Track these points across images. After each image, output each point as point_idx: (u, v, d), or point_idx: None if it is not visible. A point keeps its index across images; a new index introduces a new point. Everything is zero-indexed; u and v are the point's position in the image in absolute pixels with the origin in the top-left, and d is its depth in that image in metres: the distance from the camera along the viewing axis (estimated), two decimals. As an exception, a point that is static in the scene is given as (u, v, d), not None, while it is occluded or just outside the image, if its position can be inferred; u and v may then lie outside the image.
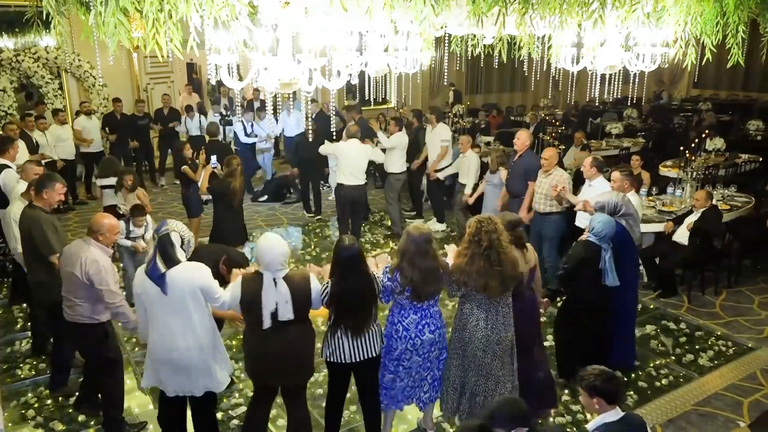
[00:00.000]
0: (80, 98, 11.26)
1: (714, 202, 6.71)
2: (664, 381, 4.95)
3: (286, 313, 3.45)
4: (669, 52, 4.23)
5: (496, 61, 4.74)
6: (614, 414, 3.02)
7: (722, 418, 4.50)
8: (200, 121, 10.95)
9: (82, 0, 2.96)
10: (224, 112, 11.05)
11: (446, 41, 4.77)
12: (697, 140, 9.19)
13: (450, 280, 3.80)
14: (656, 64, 4.41)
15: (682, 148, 8.40)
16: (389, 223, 8.84)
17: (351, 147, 7.49)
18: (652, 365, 5.17)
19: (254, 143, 10.43)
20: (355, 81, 3.93)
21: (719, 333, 5.78)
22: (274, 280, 3.44)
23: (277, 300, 3.43)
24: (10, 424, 4.40)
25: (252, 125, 10.20)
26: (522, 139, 6.65)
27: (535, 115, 12.29)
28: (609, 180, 5.89)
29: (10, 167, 6.05)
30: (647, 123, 13.58)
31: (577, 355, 4.60)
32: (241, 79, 3.23)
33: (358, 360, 3.69)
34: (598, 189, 5.80)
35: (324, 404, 4.58)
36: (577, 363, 4.13)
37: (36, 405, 4.60)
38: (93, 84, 11.26)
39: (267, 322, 3.44)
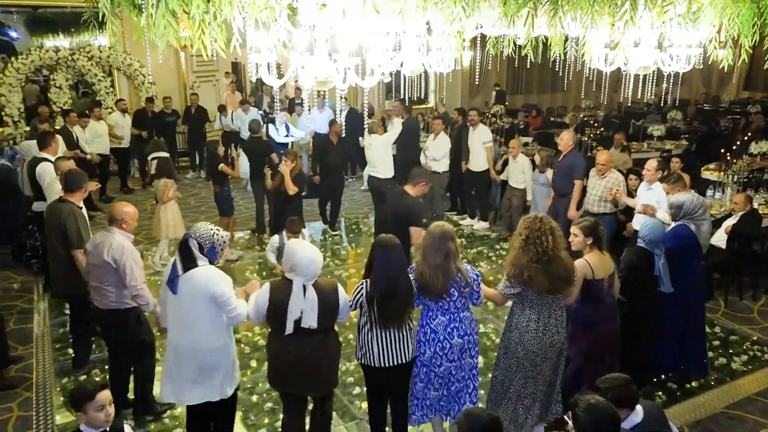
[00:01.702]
0: (130, 95, 11.78)
1: (756, 205, 6.61)
2: (694, 383, 4.92)
3: (309, 321, 3.42)
4: (718, 53, 4.21)
5: (529, 61, 4.79)
6: (637, 414, 2.97)
7: (752, 422, 4.47)
8: (233, 118, 11.33)
9: (134, 2, 3.15)
10: (268, 110, 11.34)
11: (479, 41, 4.86)
12: (739, 143, 8.99)
13: (506, 274, 3.79)
14: (691, 64, 4.40)
15: (723, 150, 8.23)
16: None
17: (368, 142, 7.76)
18: (682, 367, 5.13)
19: (287, 143, 10.58)
20: (387, 80, 4.05)
21: (755, 338, 5.70)
22: (304, 286, 3.42)
23: (302, 308, 3.41)
24: (61, 398, 4.70)
25: (287, 127, 10.32)
26: (565, 139, 6.86)
27: (575, 116, 12.19)
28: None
29: (50, 161, 6.26)
30: (692, 125, 13.31)
31: (628, 362, 4.44)
32: (280, 77, 3.39)
33: (388, 365, 3.66)
34: (657, 192, 5.81)
35: (354, 392, 4.74)
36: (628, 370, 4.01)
37: (85, 381, 4.88)
38: (142, 82, 11.73)
39: (289, 329, 3.43)
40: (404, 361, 3.69)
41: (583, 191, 6.77)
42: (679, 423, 4.42)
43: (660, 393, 4.78)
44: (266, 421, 4.47)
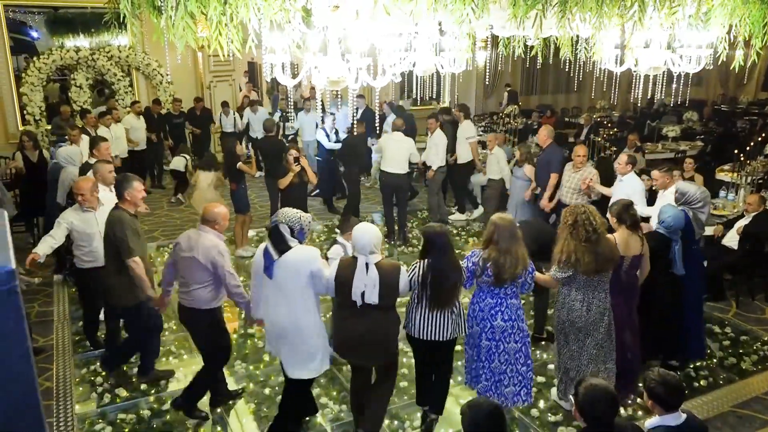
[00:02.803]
0: (149, 95, 11.97)
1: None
2: (702, 382, 4.95)
3: (372, 297, 3.68)
4: (735, 53, 4.24)
5: (542, 61, 4.84)
6: (675, 418, 2.90)
7: (760, 421, 4.48)
8: (235, 118, 11.60)
9: (154, 4, 3.26)
10: (286, 109, 11.47)
11: (491, 41, 4.91)
12: (753, 144, 8.95)
13: (556, 260, 4.14)
14: (701, 65, 4.43)
15: (736, 151, 8.20)
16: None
17: (394, 138, 7.89)
18: (692, 366, 5.16)
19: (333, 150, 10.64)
20: (398, 80, 4.13)
21: (766, 338, 5.69)
22: (367, 264, 3.69)
23: (366, 283, 3.67)
24: (80, 389, 4.84)
25: (336, 132, 10.38)
26: (543, 135, 7.25)
27: (589, 117, 12.18)
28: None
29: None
30: (708, 126, 13.22)
31: (648, 344, 4.72)
32: (294, 77, 3.48)
33: (428, 339, 3.97)
34: (627, 184, 6.11)
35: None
36: (648, 353, 4.66)
37: (104, 373, 5.01)
38: (160, 81, 11.91)
39: (359, 301, 3.70)
40: (442, 339, 3.99)
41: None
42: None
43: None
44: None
